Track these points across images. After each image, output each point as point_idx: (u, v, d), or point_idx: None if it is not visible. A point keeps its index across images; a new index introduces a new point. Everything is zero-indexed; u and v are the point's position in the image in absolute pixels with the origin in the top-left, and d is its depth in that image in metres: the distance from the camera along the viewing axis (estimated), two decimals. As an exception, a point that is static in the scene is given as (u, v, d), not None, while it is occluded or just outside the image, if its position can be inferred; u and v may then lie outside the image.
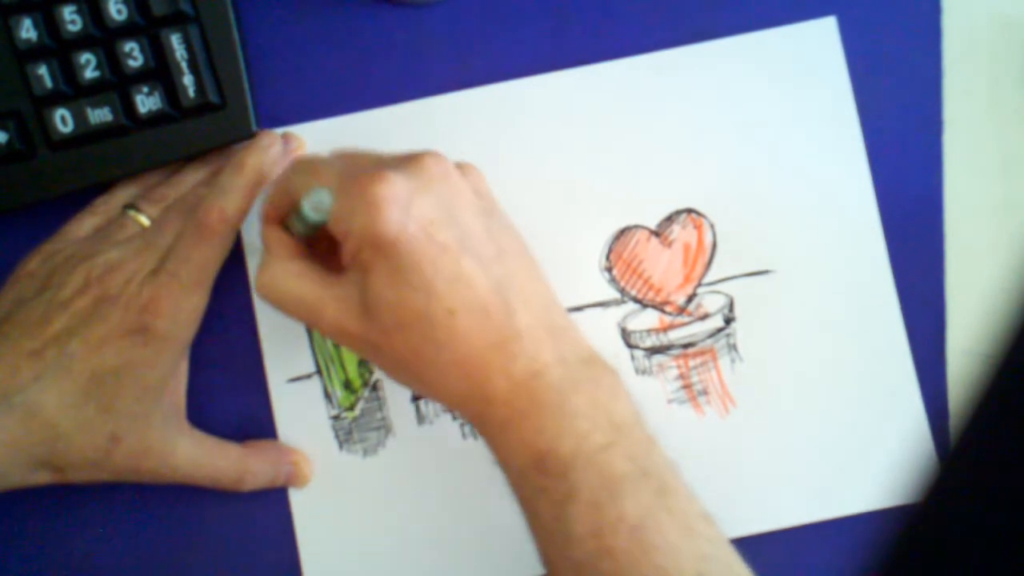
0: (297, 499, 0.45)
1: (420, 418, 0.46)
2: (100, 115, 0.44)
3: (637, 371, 0.46)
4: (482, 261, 0.37)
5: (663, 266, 0.46)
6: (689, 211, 0.46)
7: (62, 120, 0.44)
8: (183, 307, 0.41)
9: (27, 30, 0.43)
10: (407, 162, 0.38)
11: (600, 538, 0.35)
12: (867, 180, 0.46)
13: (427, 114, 0.47)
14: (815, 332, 0.46)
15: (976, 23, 0.47)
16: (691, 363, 0.46)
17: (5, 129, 0.44)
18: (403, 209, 0.36)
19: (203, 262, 0.41)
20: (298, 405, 0.45)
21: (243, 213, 0.43)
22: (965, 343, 0.45)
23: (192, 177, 0.45)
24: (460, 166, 0.40)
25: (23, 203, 0.45)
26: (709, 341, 0.46)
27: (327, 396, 0.46)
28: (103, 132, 0.44)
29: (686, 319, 0.46)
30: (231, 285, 0.45)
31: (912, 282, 0.46)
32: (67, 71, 0.44)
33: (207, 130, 0.44)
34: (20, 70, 0.44)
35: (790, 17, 0.47)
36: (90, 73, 0.43)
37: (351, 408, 0.46)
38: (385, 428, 0.45)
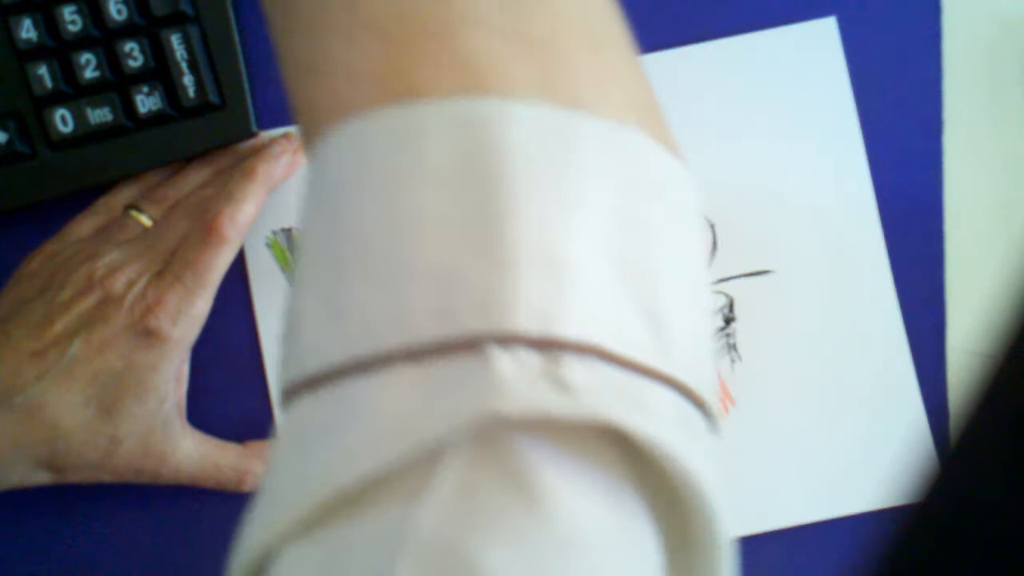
0: (297, 499, 0.45)
1: (420, 418, 0.45)
2: (100, 115, 0.44)
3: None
4: None
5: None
6: (689, 211, 0.46)
7: (62, 120, 0.44)
8: (187, 311, 0.41)
9: (27, 30, 0.43)
10: None
11: None
12: (867, 180, 0.46)
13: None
14: (815, 332, 0.46)
15: (976, 23, 0.47)
16: (691, 363, 0.46)
17: (5, 129, 0.44)
18: None
19: (209, 266, 0.41)
20: (298, 405, 0.45)
21: (252, 220, 0.43)
22: (965, 343, 0.45)
23: (193, 177, 0.45)
24: None
25: (23, 203, 0.44)
26: (709, 341, 0.46)
27: (327, 396, 0.45)
28: (103, 132, 0.44)
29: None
30: (231, 285, 0.45)
31: (912, 282, 0.46)
32: (67, 71, 0.44)
33: (207, 130, 0.44)
34: (20, 70, 0.44)
35: (790, 17, 0.47)
36: (90, 73, 0.43)
37: (351, 408, 0.45)
38: (385, 428, 0.45)
